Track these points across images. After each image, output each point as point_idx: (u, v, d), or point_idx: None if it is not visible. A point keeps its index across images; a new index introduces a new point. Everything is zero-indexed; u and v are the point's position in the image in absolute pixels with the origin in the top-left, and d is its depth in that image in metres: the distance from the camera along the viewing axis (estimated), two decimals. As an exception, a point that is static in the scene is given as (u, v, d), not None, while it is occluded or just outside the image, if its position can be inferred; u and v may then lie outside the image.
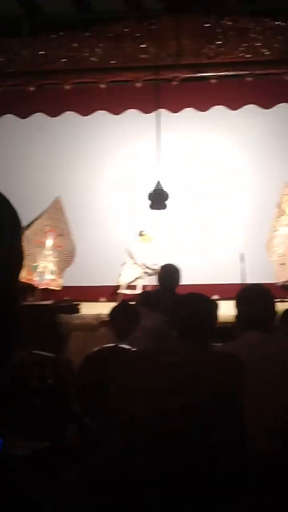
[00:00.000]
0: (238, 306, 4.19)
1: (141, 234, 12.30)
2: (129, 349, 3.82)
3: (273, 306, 4.23)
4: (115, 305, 6.04)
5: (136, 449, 2.88)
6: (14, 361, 3.40)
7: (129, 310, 5.80)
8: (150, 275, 11.36)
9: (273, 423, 3.33)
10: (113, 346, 3.89)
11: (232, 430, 2.99)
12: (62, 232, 12.60)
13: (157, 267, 11.48)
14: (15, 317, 0.95)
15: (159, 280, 7.17)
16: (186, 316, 3.54)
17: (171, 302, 6.54)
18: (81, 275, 11.98)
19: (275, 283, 11.56)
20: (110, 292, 11.87)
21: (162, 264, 7.58)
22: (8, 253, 0.94)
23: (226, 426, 2.98)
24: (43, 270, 12.16)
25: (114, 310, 5.77)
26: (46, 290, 12.18)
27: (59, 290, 12.28)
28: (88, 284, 11.71)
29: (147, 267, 11.58)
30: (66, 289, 11.79)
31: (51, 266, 12.42)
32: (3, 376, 3.32)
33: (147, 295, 7.11)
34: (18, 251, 0.99)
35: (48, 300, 11.02)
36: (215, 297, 10.06)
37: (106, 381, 3.31)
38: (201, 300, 3.74)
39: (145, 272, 11.66)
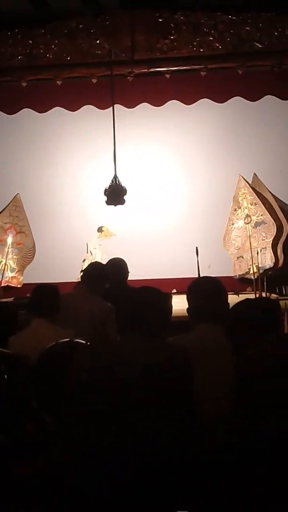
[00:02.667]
0: (189, 299, 4.22)
1: (100, 230, 12.35)
2: (84, 343, 3.86)
3: (225, 298, 4.26)
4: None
5: (93, 443, 2.92)
6: None
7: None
8: None
9: (222, 415, 3.38)
10: (68, 340, 3.92)
11: (183, 422, 3.04)
12: (22, 229, 12.60)
13: None
14: None
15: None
16: (139, 309, 3.57)
17: (121, 296, 6.57)
18: (41, 272, 11.98)
19: (233, 276, 11.71)
20: (71, 288, 11.88)
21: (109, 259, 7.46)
22: None
23: (177, 417, 3.03)
24: (3, 267, 12.17)
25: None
26: (7, 287, 12.18)
27: (19, 287, 12.29)
28: (49, 281, 11.69)
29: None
30: (26, 286, 11.78)
31: (12, 264, 12.44)
32: None
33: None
34: None
35: (9, 297, 11.02)
36: (173, 291, 10.22)
37: (62, 375, 3.35)
38: (153, 293, 3.76)
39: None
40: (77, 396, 3.15)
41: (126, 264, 7.17)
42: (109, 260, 7.40)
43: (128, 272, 7.19)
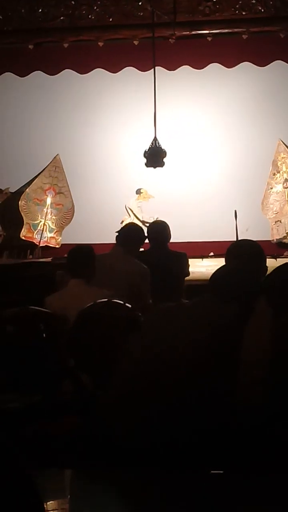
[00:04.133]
0: (227, 262, 4.23)
1: (138, 192, 12.37)
2: (123, 304, 3.90)
3: (264, 262, 4.27)
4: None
5: (138, 403, 2.95)
6: (9, 316, 3.53)
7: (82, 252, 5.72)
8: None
9: (259, 379, 3.40)
10: (107, 301, 3.97)
11: (227, 385, 3.06)
12: (61, 190, 12.70)
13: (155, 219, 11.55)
14: None
15: (149, 238, 7.04)
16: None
17: (163, 258, 6.61)
18: (80, 233, 12.07)
19: (271, 240, 11.71)
20: (109, 249, 11.93)
21: (150, 222, 7.45)
22: None
23: (223, 381, 3.04)
24: (42, 228, 12.29)
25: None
26: (45, 247, 12.31)
27: (58, 247, 12.40)
28: (87, 242, 11.76)
29: (145, 223, 11.57)
30: (65, 246, 11.87)
31: (50, 224, 12.55)
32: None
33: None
34: None
35: (48, 257, 11.11)
36: (211, 254, 10.30)
37: (101, 335, 3.41)
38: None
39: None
40: (114, 357, 3.17)
41: (168, 227, 7.18)
42: (152, 222, 7.43)
43: (170, 235, 7.21)
